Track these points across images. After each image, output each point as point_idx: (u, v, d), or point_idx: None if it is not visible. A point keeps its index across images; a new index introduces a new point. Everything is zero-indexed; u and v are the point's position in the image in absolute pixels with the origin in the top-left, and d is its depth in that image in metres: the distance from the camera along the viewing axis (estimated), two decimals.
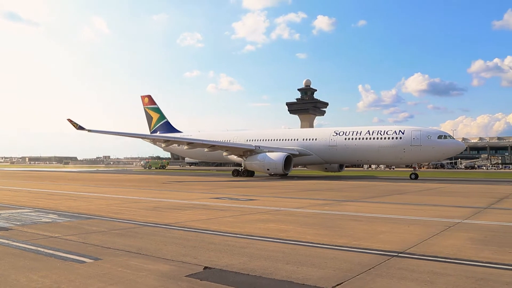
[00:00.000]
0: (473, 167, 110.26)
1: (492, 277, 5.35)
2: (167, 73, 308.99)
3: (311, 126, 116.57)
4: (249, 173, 42.82)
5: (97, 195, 18.79)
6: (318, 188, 25.23)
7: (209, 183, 30.68)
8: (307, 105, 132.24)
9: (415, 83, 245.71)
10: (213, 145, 43.06)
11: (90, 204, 14.56)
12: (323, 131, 44.06)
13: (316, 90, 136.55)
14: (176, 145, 49.81)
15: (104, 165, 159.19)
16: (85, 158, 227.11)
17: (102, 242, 7.52)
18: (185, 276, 5.28)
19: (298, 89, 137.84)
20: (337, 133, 41.16)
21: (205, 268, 5.69)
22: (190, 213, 12.26)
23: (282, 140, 45.17)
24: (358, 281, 5.12)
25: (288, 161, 39.26)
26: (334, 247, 7.24)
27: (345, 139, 40.31)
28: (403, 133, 37.20)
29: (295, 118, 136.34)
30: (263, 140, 45.99)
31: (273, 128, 58.82)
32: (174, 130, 56.83)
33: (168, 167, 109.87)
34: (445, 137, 36.61)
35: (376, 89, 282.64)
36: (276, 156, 38.97)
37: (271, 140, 45.83)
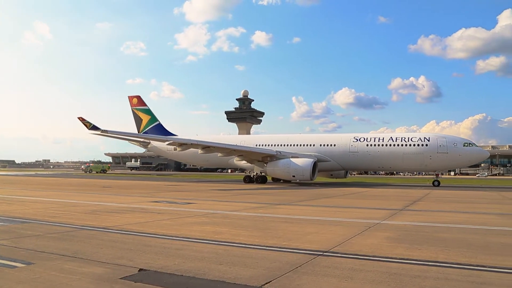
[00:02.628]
0: (392, 173, 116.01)
1: (403, 271, 5.64)
2: (110, 80, 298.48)
3: (248, 133, 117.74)
4: (263, 180, 38.58)
5: (34, 198, 17.68)
6: (253, 192, 25.40)
7: (150, 188, 29.90)
8: (244, 114, 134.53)
9: (343, 96, 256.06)
10: (234, 150, 38.09)
11: (26, 208, 13.66)
12: (342, 137, 40.14)
13: (253, 100, 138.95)
14: (170, 148, 44.33)
15: (43, 169, 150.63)
16: (23, 162, 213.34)
17: (36, 246, 7.08)
18: (120, 278, 5.09)
19: (237, 99, 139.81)
20: (357, 139, 38.24)
21: (140, 270, 5.52)
22: (128, 216, 11.87)
23: (298, 145, 40.90)
24: (286, 279, 5.20)
25: (315, 167, 35.34)
26: (265, 247, 7.30)
27: (367, 145, 37.52)
28: (428, 140, 35.40)
29: (233, 126, 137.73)
30: (275, 145, 41.27)
31: (290, 133, 51.65)
32: (168, 133, 50.16)
33: (109, 171, 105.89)
34: (470, 144, 35.17)
35: (308, 101, 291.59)
36: (303, 162, 34.82)
37: (285, 145, 41.22)
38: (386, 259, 6.44)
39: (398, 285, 5.00)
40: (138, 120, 52.71)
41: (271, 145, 41.43)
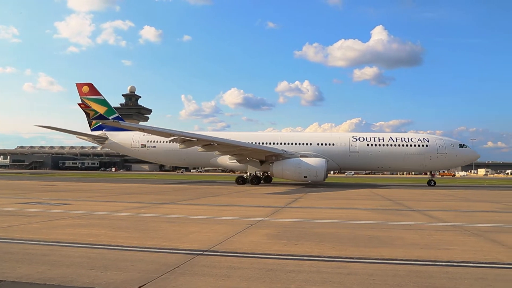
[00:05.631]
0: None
1: (279, 267, 5.86)
2: None
3: None
4: (259, 180, 36.27)
5: None
6: (137, 191, 24.52)
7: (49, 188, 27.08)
8: (131, 111, 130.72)
9: (232, 96, 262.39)
10: (236, 147, 33.91)
11: None
12: (340, 136, 39.46)
13: (140, 97, 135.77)
14: (136, 144, 39.79)
15: None
16: None
17: None
18: None
19: (123, 95, 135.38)
20: (356, 139, 37.68)
21: None
22: None
23: (293, 144, 38.38)
24: (161, 281, 5.05)
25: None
26: (143, 249, 7.04)
27: (367, 145, 37.11)
28: (428, 141, 36.57)
29: None
30: (266, 143, 37.98)
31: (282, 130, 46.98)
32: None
33: None
34: (464, 146, 36.90)
35: (198, 100, 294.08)
36: (316, 162, 32.94)
37: (278, 143, 38.18)
38: (264, 255, 6.64)
39: (273, 280, 5.17)
40: (90, 112, 44.24)
41: (262, 143, 38.24)
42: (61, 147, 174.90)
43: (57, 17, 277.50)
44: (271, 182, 39.64)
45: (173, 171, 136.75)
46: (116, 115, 43.84)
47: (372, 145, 37.31)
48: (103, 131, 42.68)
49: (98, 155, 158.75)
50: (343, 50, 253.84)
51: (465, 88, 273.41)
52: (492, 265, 6.22)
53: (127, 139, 41.62)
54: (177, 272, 5.46)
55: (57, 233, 8.55)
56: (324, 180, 34.17)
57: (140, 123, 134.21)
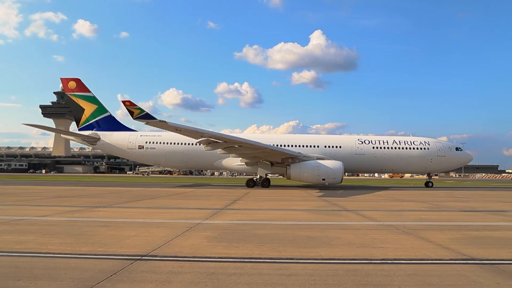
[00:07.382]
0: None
1: (221, 270, 5.79)
2: None
3: (67, 130, 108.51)
4: (269, 183, 35.72)
5: None
6: (70, 194, 23.30)
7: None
8: (63, 110, 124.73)
9: (170, 97, 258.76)
10: (263, 149, 32.79)
11: None
12: (346, 139, 39.80)
13: None
14: (133, 145, 37.54)
15: None
16: None
17: None
18: None
19: (54, 92, 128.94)
20: (362, 141, 38.26)
21: None
22: None
23: (299, 146, 37.72)
24: None
25: None
26: (78, 255, 6.66)
27: (373, 147, 37.73)
28: (428, 144, 37.95)
29: (50, 122, 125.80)
30: (274, 145, 35.73)
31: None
32: (123, 127, 40.21)
33: None
34: (460, 149, 38.73)
35: (135, 99, 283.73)
36: (334, 165, 32.78)
37: (285, 146, 37.04)
38: (205, 259, 6.53)
39: (215, 284, 5.08)
40: (77, 110, 40.38)
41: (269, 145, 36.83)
42: None
43: None
44: (271, 185, 38.80)
45: (108, 172, 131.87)
46: (107, 114, 40.43)
47: (377, 147, 38.16)
48: (94, 131, 39.47)
49: (27, 156, 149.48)
50: (282, 53, 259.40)
51: (395, 93, 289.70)
52: (422, 262, 6.56)
53: (122, 140, 38.88)
54: (115, 279, 5.21)
55: None
56: (341, 182, 33.97)
57: (73, 123, 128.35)
